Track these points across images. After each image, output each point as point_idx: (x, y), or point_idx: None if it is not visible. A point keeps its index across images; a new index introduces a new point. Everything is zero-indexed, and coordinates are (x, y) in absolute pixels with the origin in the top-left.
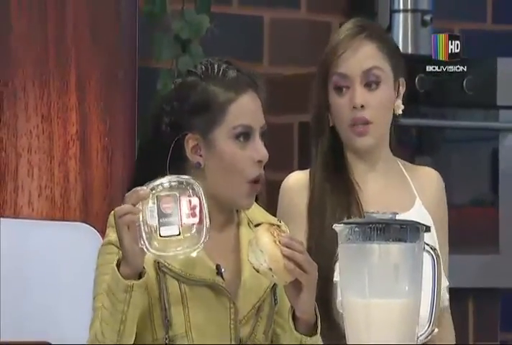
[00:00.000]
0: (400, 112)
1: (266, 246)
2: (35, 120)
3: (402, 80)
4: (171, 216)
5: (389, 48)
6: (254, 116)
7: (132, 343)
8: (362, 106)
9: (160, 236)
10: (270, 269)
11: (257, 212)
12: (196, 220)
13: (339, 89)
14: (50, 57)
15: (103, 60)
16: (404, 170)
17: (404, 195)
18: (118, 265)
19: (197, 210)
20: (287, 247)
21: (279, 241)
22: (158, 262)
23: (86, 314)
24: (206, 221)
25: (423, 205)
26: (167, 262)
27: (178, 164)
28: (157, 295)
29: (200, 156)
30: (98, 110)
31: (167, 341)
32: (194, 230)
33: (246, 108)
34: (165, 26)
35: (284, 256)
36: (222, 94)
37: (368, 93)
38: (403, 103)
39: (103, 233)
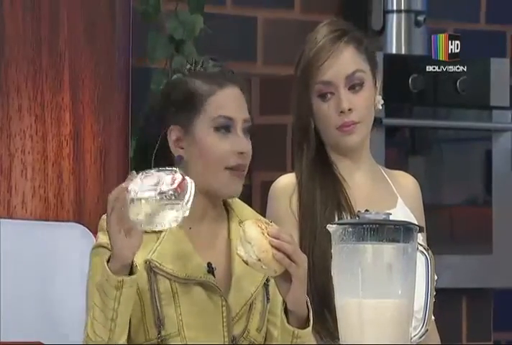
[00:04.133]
0: (381, 107)
1: (254, 237)
2: (28, 120)
3: (378, 75)
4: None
5: (365, 48)
6: (236, 108)
7: (124, 341)
8: (350, 109)
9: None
10: (259, 260)
11: (247, 212)
12: (175, 185)
13: (323, 96)
14: (44, 57)
15: (97, 60)
16: (384, 173)
17: (387, 195)
18: (109, 262)
19: (177, 181)
20: (275, 238)
21: (267, 233)
22: (149, 262)
23: (81, 314)
24: (188, 191)
25: (405, 205)
26: (158, 262)
27: (169, 161)
28: (149, 295)
29: (182, 148)
30: (92, 110)
31: (160, 341)
32: (174, 196)
33: (227, 100)
34: (159, 27)
35: (272, 246)
36: (203, 87)
37: (353, 96)
38: (396, 101)
39: (96, 233)
